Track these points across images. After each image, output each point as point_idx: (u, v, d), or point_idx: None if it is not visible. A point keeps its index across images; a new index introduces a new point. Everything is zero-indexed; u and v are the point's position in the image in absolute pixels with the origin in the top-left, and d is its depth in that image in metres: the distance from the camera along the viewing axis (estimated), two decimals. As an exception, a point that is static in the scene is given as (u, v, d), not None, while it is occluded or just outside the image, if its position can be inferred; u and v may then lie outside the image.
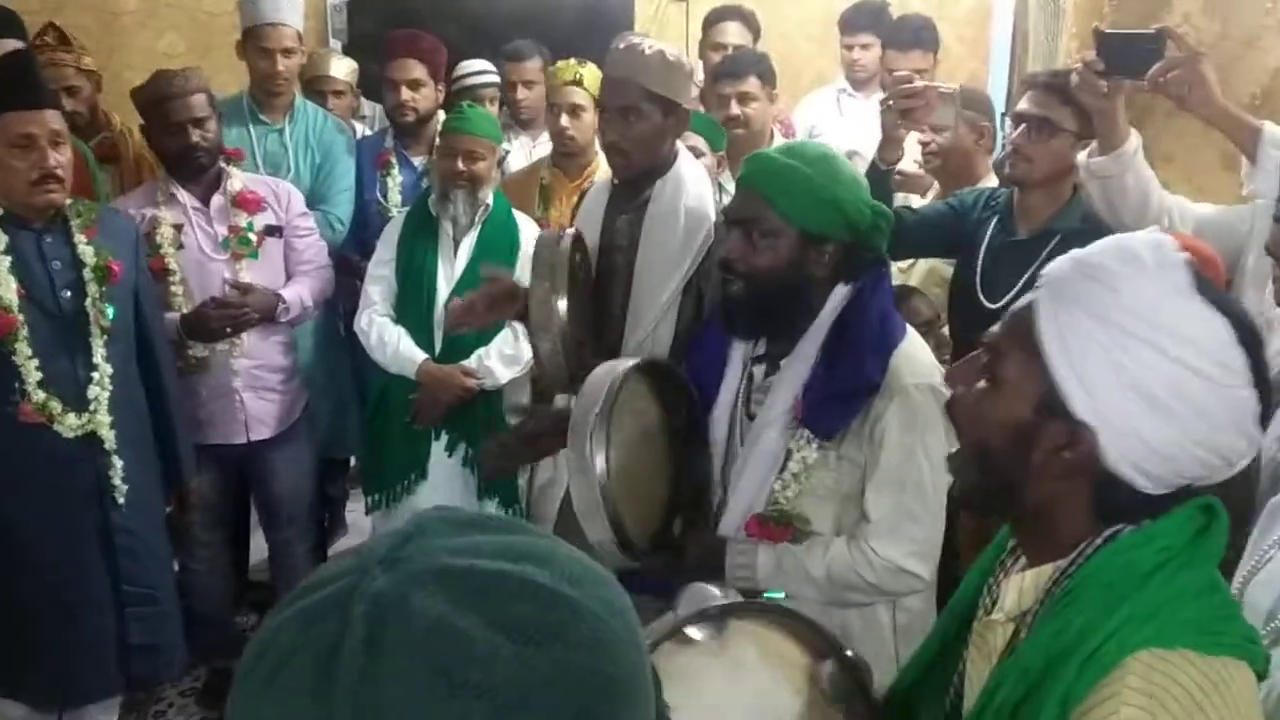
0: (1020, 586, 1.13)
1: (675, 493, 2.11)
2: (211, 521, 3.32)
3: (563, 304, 2.30)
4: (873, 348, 1.89)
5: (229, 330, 3.10)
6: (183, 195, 3.13)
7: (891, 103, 2.61)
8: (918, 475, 1.88)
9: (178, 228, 3.10)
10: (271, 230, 3.22)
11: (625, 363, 2.01)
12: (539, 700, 0.61)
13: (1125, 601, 1.03)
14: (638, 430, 2.04)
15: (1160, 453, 1.03)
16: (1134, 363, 1.01)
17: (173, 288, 3.09)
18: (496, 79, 4.06)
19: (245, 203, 3.17)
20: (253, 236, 3.17)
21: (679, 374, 2.16)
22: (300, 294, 3.24)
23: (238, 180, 3.19)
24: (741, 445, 2.05)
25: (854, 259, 1.93)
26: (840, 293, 1.94)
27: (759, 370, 2.06)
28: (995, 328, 1.16)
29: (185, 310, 3.08)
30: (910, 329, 2.00)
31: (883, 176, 2.70)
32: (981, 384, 1.14)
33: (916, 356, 1.93)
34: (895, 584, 1.92)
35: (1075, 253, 1.11)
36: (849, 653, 1.33)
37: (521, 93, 4.04)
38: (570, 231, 2.48)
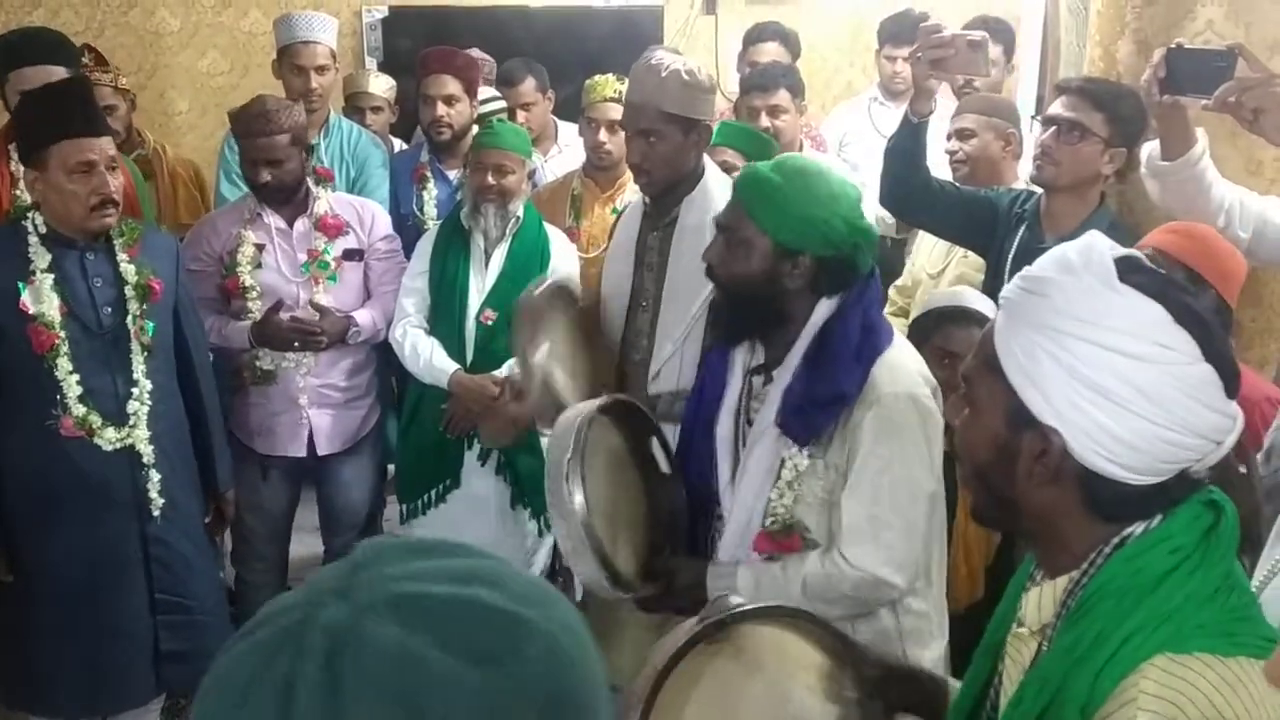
0: (1039, 600, 1.15)
1: (655, 524, 2.14)
2: (271, 534, 3.40)
3: (541, 352, 2.39)
4: (851, 359, 1.90)
5: (296, 345, 3.16)
6: (269, 216, 3.20)
7: (921, 54, 2.61)
8: (892, 484, 1.88)
9: (259, 247, 3.18)
10: (351, 254, 3.27)
11: (590, 405, 2.06)
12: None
13: (1139, 607, 1.05)
14: (611, 468, 2.08)
15: (1128, 442, 1.05)
16: (1076, 360, 1.05)
17: (249, 304, 3.17)
18: (504, 104, 4.10)
19: (326, 227, 3.22)
20: (330, 261, 3.22)
21: (642, 409, 2.20)
22: (374, 316, 3.28)
23: (323, 203, 3.24)
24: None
25: (832, 274, 1.93)
26: (825, 306, 1.95)
27: (757, 380, 2.07)
28: (969, 357, 1.20)
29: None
30: (899, 337, 2.01)
31: (915, 130, 2.71)
32: (965, 411, 1.19)
33: (899, 365, 1.93)
34: (872, 593, 1.91)
35: (1023, 270, 1.15)
36: (865, 654, 1.37)
37: (521, 116, 4.07)
38: (542, 280, 2.60)
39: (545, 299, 2.49)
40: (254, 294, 3.17)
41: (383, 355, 3.71)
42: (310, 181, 3.24)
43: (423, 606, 0.65)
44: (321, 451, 3.29)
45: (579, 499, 1.89)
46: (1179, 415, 1.04)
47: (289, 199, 3.19)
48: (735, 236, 1.96)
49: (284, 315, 3.13)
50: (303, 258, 3.21)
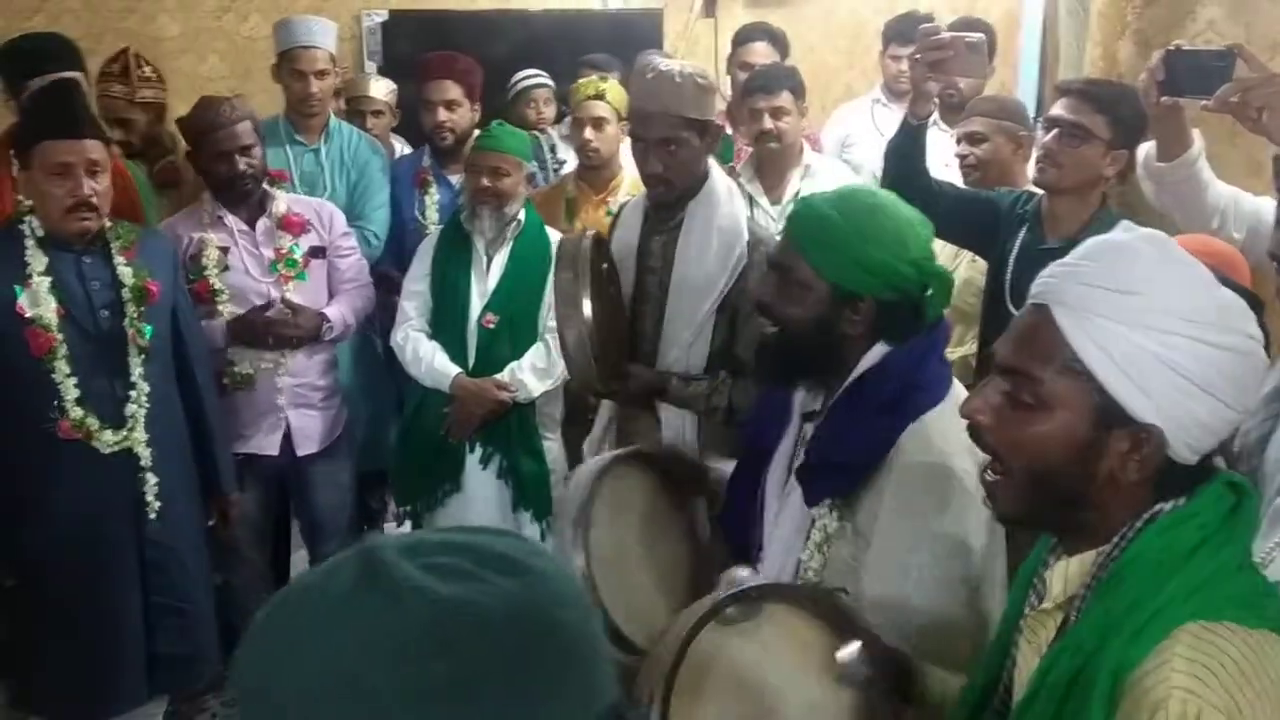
0: (1065, 574, 1.18)
1: (695, 584, 1.98)
2: (253, 538, 3.38)
3: (587, 292, 2.33)
4: (876, 419, 1.70)
5: (272, 342, 3.17)
6: (229, 219, 3.20)
7: (919, 56, 2.60)
8: (919, 569, 1.65)
9: (224, 250, 3.17)
10: (316, 251, 3.28)
11: (606, 456, 1.96)
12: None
13: (1172, 577, 1.09)
14: (641, 520, 1.96)
15: (1210, 428, 1.11)
16: (1183, 357, 1.08)
17: (219, 306, 3.16)
18: (549, 82, 4.08)
19: (290, 225, 3.23)
20: (299, 258, 3.23)
21: (688, 461, 2.11)
22: (342, 312, 3.30)
23: (282, 202, 3.25)
24: None
25: (896, 319, 1.73)
26: (876, 352, 1.75)
27: (809, 426, 1.87)
28: (1007, 352, 1.18)
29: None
30: (956, 393, 1.75)
31: (915, 132, 2.70)
32: (1012, 409, 1.17)
33: (939, 430, 1.68)
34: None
35: (1069, 265, 1.16)
36: (878, 638, 1.37)
37: None
38: (591, 232, 2.51)
39: (588, 246, 2.41)
40: (223, 296, 3.17)
41: (383, 358, 3.72)
42: (265, 182, 3.25)
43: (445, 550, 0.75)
44: (300, 452, 3.29)
45: (579, 561, 1.78)
46: (1249, 397, 1.14)
47: (250, 196, 3.19)
48: (790, 277, 1.78)
49: (254, 308, 3.15)
50: (269, 256, 3.21)
